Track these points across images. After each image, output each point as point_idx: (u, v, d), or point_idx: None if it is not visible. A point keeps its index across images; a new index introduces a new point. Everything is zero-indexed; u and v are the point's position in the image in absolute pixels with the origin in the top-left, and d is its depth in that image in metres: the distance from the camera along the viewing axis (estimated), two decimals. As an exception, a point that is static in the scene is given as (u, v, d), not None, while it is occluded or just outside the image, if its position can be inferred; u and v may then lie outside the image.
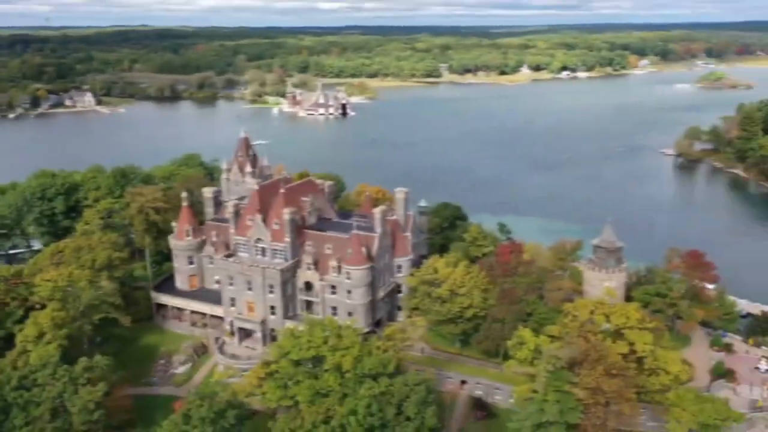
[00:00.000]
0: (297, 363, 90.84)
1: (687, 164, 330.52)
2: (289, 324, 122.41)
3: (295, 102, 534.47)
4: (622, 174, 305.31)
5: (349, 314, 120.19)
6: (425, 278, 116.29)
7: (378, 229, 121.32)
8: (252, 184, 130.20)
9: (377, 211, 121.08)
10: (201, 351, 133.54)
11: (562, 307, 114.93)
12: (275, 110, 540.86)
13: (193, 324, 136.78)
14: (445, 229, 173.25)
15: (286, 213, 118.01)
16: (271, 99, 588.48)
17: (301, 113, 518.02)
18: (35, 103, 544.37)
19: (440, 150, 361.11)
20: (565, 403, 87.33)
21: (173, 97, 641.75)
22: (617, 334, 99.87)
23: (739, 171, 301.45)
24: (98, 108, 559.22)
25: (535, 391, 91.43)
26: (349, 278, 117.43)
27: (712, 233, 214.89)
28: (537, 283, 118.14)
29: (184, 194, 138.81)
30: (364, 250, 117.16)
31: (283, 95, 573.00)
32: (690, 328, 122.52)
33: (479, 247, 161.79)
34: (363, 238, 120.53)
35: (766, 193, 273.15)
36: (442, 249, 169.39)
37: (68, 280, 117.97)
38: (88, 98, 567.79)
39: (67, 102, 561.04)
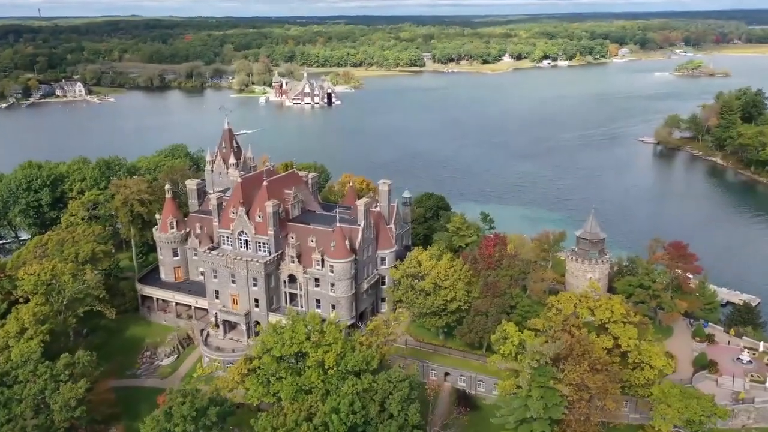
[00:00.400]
0: (279, 359, 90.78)
1: (666, 152, 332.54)
2: (273, 317, 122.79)
3: (281, 91, 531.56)
4: (603, 162, 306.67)
5: (333, 307, 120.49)
6: (409, 271, 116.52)
7: (361, 221, 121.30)
8: (235, 176, 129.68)
9: (360, 204, 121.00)
10: (186, 342, 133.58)
11: (546, 299, 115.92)
12: (262, 99, 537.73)
13: (178, 316, 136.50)
14: (428, 219, 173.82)
15: (269, 206, 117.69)
16: (258, 88, 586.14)
17: (288, 102, 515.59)
18: (27, 93, 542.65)
19: (423, 139, 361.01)
20: (549, 399, 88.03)
21: (162, 86, 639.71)
22: (601, 328, 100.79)
23: (717, 159, 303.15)
24: (88, 98, 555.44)
25: (518, 387, 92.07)
26: (332, 271, 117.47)
27: (692, 221, 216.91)
28: (520, 275, 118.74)
29: (167, 186, 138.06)
30: (347, 243, 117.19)
31: (269, 84, 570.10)
32: (673, 319, 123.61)
33: (462, 237, 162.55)
34: (346, 230, 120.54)
35: (744, 181, 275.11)
36: (426, 239, 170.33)
37: (51, 273, 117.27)
38: (79, 88, 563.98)
39: (58, 92, 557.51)
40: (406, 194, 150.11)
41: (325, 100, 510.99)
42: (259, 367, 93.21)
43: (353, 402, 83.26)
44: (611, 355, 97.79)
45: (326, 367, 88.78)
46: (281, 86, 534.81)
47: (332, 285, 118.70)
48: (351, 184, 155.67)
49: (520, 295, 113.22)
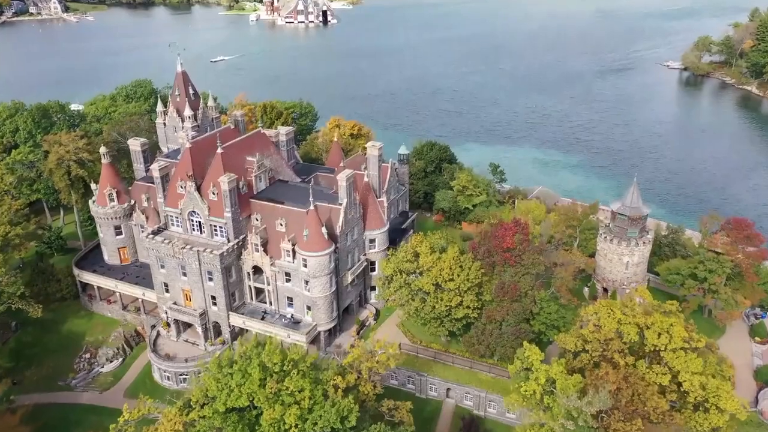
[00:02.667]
0: (226, 411, 67.09)
1: (694, 80, 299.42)
2: (236, 318, 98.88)
3: (272, 8, 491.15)
4: (623, 92, 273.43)
5: (308, 308, 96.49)
6: (403, 266, 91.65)
7: (343, 199, 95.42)
8: (183, 138, 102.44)
9: (342, 177, 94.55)
10: (135, 341, 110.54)
11: (573, 302, 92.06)
12: (252, 17, 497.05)
13: (125, 307, 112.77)
14: (429, 174, 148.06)
15: (224, 182, 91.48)
16: (248, 5, 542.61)
17: (279, 21, 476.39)
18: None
19: (425, 64, 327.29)
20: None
21: (146, 2, 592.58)
22: (654, 355, 76.71)
23: (752, 88, 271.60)
24: (65, 15, 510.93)
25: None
26: (305, 266, 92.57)
27: (728, 167, 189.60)
28: (546, 273, 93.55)
29: (103, 150, 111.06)
30: (324, 230, 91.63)
31: (260, 1, 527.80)
32: (731, 318, 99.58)
33: (469, 197, 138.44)
34: (323, 211, 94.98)
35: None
36: (427, 198, 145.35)
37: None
38: (54, 5, 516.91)
39: (32, 9, 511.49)
40: (403, 150, 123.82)
41: (320, 19, 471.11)
42: (202, 417, 69.57)
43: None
44: (666, 392, 74.33)
45: (287, 428, 65.14)
46: (273, 3, 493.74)
47: (306, 282, 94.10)
48: (336, 139, 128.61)
49: (545, 299, 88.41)
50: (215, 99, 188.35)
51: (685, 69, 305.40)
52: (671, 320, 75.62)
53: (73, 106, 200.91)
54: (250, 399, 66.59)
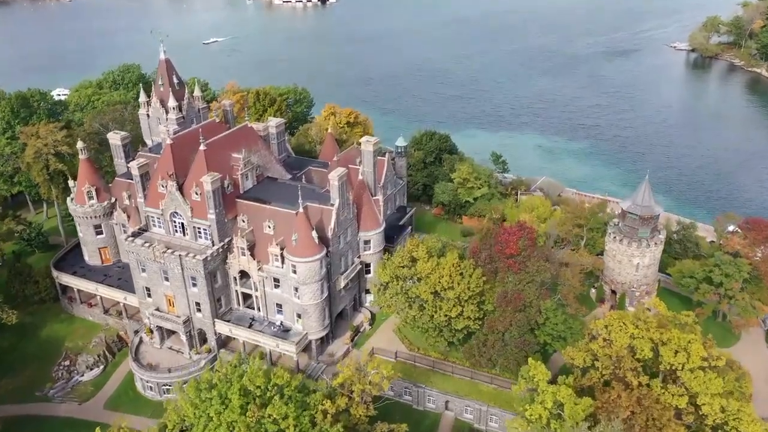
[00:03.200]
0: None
1: (701, 62, 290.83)
2: (222, 326, 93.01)
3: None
4: (630, 75, 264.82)
5: (298, 316, 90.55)
6: (399, 272, 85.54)
7: (335, 200, 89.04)
8: (164, 134, 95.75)
9: (334, 177, 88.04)
10: (118, 346, 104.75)
11: (581, 311, 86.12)
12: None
13: (106, 311, 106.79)
14: (429, 165, 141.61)
15: (207, 182, 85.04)
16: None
17: (277, 1, 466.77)
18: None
19: (427, 46, 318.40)
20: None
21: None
22: (670, 374, 70.79)
23: (762, 71, 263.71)
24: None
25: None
26: (294, 272, 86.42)
27: (743, 155, 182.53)
28: (552, 280, 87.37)
29: (80, 145, 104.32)
30: (314, 234, 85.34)
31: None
32: (747, 325, 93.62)
33: (470, 190, 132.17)
34: (314, 212, 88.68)
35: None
36: (426, 191, 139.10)
37: None
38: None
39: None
40: (400, 142, 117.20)
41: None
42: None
43: None
44: (684, 414, 68.60)
45: (269, 461, 59.46)
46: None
47: (296, 289, 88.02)
48: (330, 131, 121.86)
49: (551, 309, 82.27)
50: (206, 84, 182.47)
51: (693, 50, 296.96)
52: (689, 336, 69.57)
53: (58, 91, 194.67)
54: (230, 429, 60.75)
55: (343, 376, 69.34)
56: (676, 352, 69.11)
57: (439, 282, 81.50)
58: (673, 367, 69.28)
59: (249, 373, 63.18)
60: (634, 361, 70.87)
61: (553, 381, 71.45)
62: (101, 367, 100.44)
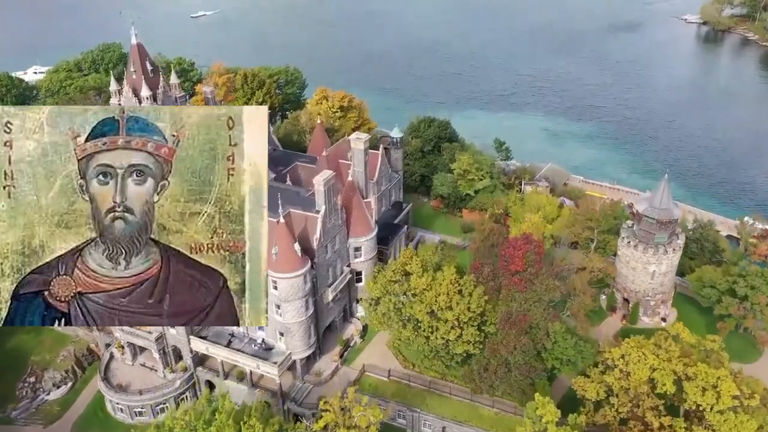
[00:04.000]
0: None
1: (713, 35, 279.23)
2: (197, 344, 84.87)
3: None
4: (638, 50, 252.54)
5: (281, 335, 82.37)
6: (390, 288, 77.06)
7: (322, 206, 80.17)
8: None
9: (319, 182, 78.95)
10: (88, 360, 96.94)
11: (593, 333, 77.76)
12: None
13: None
14: (427, 154, 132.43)
15: (178, 189, 76.08)
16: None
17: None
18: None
19: (428, 21, 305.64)
20: None
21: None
22: (695, 412, 62.66)
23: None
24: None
25: None
26: (276, 288, 77.97)
27: (760, 138, 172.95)
28: (561, 300, 78.87)
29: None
30: (297, 246, 76.61)
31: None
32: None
33: (470, 181, 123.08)
34: (298, 220, 79.97)
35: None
36: (424, 182, 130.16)
37: None
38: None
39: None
40: (396, 133, 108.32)
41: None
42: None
43: None
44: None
45: None
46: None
47: (278, 306, 79.63)
48: (320, 121, 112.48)
49: (560, 333, 73.83)
50: (192, 64, 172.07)
51: (704, 23, 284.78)
52: (718, 373, 61.21)
53: (35, 69, 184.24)
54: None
55: (326, 418, 61.31)
56: (704, 389, 60.89)
57: (436, 301, 73.03)
58: (700, 408, 61.11)
59: (218, 423, 55.01)
60: (654, 398, 62.75)
61: (560, 407, 63.65)
62: (69, 384, 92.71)
